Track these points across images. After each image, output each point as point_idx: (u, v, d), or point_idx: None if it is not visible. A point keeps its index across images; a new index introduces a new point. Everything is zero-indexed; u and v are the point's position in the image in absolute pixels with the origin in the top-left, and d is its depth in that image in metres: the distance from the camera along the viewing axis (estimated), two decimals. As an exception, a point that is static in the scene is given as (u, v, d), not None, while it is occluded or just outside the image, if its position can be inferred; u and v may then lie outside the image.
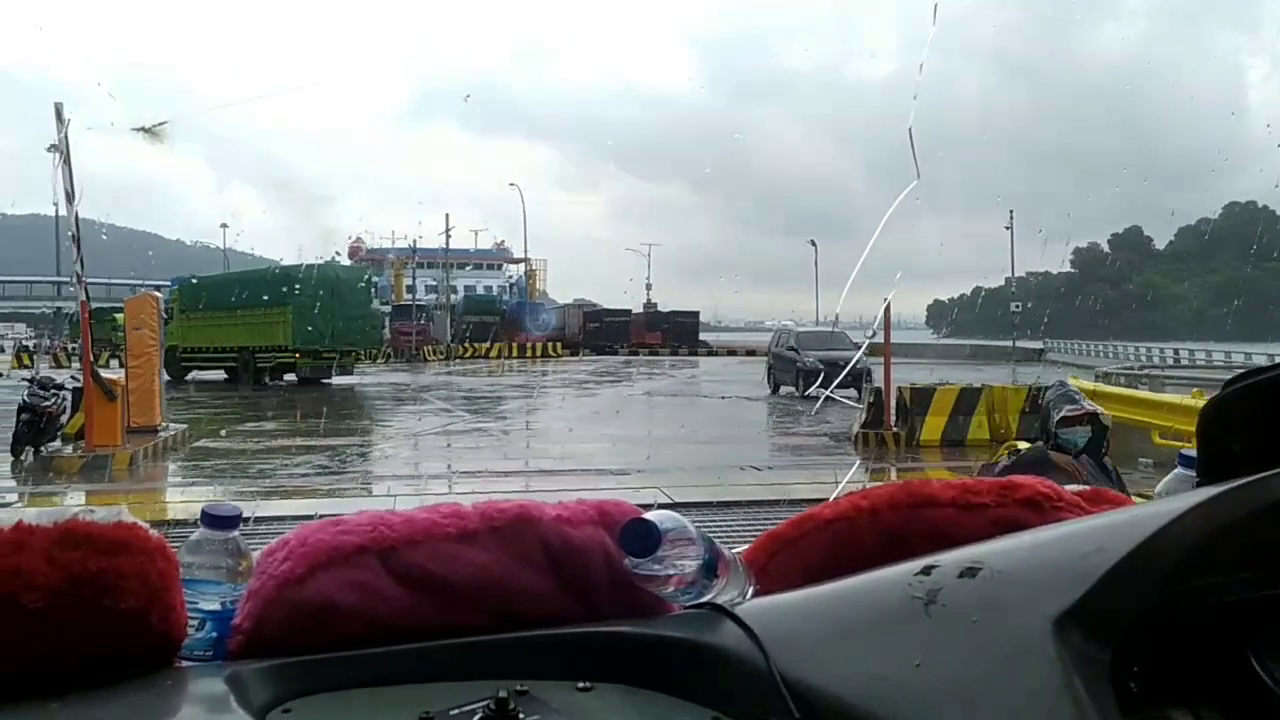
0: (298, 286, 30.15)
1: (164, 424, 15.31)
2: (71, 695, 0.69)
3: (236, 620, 0.83)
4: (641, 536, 0.82)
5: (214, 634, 0.83)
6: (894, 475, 14.38)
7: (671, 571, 0.83)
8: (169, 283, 28.54)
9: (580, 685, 0.77)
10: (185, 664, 0.79)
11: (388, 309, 56.37)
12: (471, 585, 0.82)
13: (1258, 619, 0.72)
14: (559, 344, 55.53)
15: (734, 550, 0.90)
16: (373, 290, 35.26)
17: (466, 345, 52.74)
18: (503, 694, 0.71)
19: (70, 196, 13.15)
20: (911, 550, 0.78)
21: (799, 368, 25.85)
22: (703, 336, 59.73)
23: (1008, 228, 54.05)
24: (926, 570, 0.73)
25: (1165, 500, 0.80)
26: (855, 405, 22.10)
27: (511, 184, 70.96)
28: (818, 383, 24.91)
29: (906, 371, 23.99)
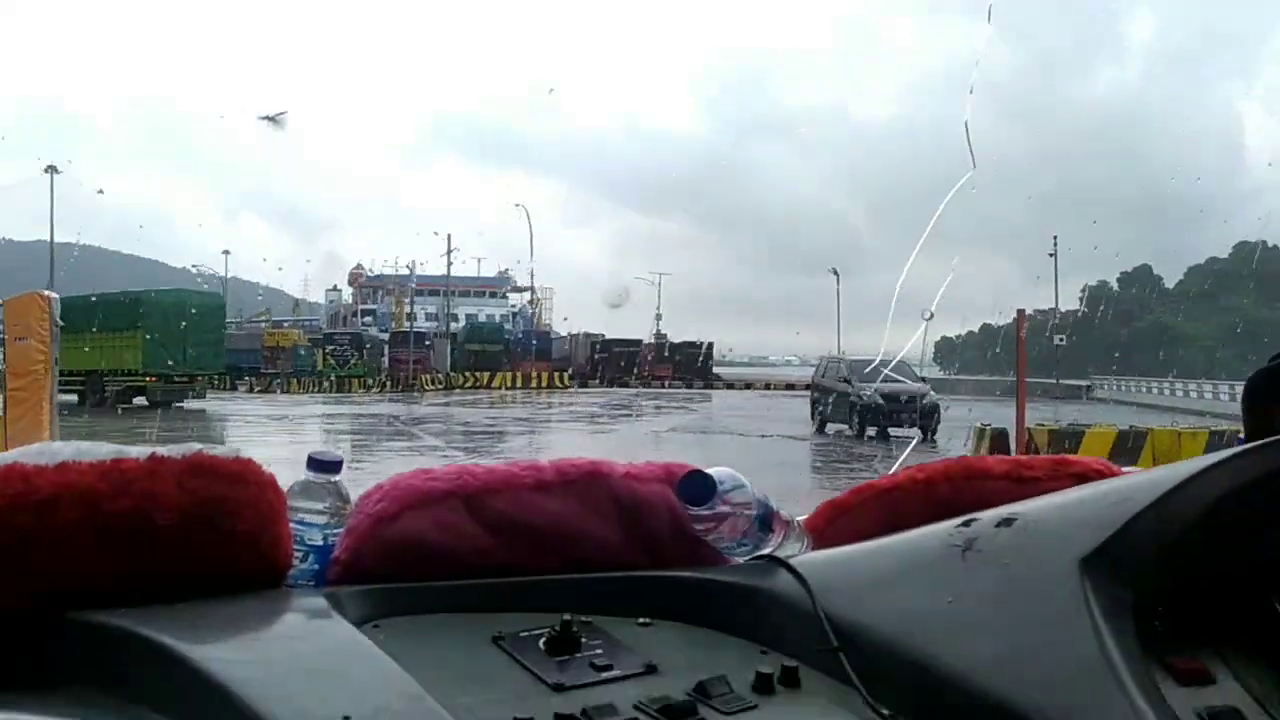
0: (150, 312, 30.49)
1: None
2: (195, 601, 0.80)
3: (336, 553, 0.90)
4: (698, 485, 0.89)
5: (316, 565, 0.92)
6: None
7: (726, 511, 0.89)
8: None
9: (640, 621, 0.85)
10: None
11: (385, 336, 53.65)
12: (545, 530, 0.90)
13: None
14: (566, 374, 52.02)
15: (797, 518, 0.98)
16: (225, 316, 37.72)
17: (467, 375, 49.39)
18: (567, 617, 0.78)
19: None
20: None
21: (853, 402, 22.22)
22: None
23: (1051, 254, 51.05)
24: (967, 523, 0.81)
25: (1198, 459, 0.81)
26: (931, 448, 18.53)
27: (517, 204, 67.92)
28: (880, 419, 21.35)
29: (953, 408, 20.50)
